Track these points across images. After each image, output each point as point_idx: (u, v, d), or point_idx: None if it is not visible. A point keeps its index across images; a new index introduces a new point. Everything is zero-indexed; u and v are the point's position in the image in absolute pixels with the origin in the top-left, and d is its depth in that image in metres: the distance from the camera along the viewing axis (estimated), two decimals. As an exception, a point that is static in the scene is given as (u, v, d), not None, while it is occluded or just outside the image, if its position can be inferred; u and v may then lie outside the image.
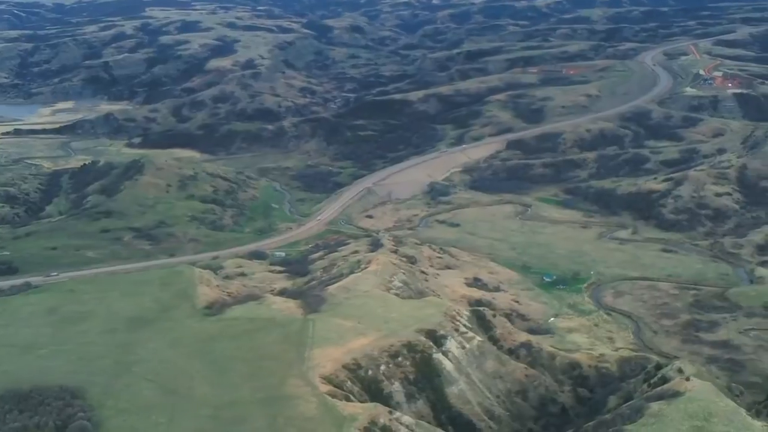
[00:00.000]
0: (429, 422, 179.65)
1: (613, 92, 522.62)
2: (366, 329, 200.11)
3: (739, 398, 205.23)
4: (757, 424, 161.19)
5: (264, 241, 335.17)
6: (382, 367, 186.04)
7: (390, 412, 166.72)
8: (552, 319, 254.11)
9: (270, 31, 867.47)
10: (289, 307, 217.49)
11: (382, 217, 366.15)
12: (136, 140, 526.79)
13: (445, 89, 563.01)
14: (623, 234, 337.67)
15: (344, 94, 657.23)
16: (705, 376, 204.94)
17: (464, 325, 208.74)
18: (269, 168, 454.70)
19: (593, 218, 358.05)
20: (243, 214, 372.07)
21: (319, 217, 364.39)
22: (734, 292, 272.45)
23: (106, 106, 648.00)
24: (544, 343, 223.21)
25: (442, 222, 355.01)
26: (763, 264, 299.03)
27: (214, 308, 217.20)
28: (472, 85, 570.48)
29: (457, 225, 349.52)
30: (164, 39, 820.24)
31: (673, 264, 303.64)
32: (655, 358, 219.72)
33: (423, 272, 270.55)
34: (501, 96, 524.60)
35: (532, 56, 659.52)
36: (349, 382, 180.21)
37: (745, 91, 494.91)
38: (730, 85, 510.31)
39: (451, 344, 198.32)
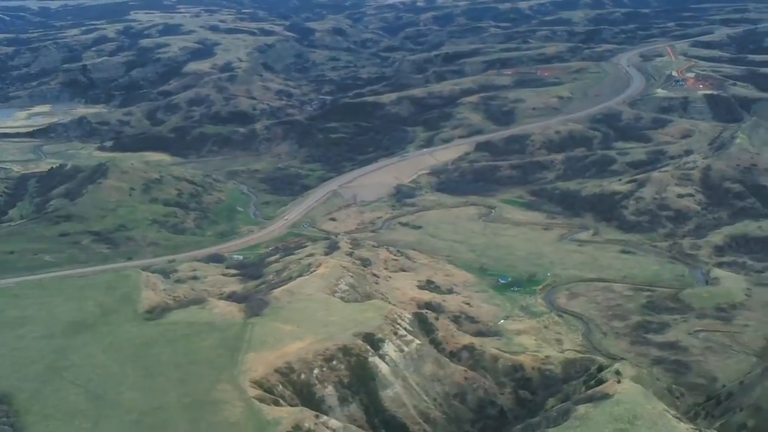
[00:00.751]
0: (362, 426, 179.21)
1: (585, 94, 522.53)
2: (304, 333, 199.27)
3: (679, 400, 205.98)
4: (682, 426, 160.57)
5: (224, 244, 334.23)
6: (316, 371, 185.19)
7: (316, 416, 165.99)
8: (502, 321, 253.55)
9: (252, 33, 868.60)
10: (231, 311, 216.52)
11: (346, 219, 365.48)
12: (108, 144, 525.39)
13: (418, 91, 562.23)
14: (584, 236, 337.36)
15: (321, 97, 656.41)
16: (645, 378, 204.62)
17: (404, 329, 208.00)
18: (238, 171, 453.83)
19: (556, 220, 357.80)
20: (206, 217, 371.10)
21: (285, 219, 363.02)
22: (687, 294, 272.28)
23: (82, 110, 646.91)
24: (489, 346, 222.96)
25: (405, 224, 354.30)
26: (719, 265, 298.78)
27: (155, 312, 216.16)
28: (445, 87, 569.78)
29: (420, 227, 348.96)
30: (145, 42, 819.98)
31: (630, 265, 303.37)
32: (600, 360, 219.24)
33: (375, 275, 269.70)
34: (473, 98, 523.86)
35: (509, 58, 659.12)
36: (280, 386, 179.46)
37: (715, 93, 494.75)
38: (701, 86, 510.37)
39: (389, 348, 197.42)
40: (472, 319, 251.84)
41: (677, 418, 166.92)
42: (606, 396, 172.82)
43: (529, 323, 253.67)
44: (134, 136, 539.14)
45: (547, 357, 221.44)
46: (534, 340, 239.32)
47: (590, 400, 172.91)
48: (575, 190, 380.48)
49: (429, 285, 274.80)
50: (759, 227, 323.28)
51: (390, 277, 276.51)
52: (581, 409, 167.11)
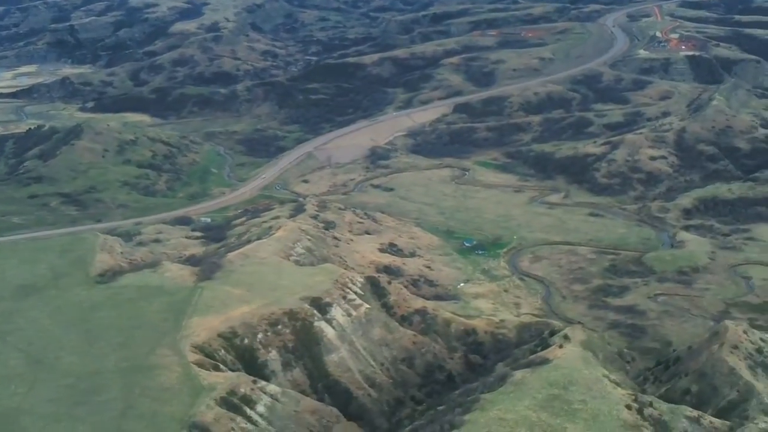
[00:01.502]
0: (304, 390, 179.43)
1: (568, 55, 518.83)
2: (252, 297, 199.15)
3: (629, 365, 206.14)
4: (618, 392, 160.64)
5: (194, 206, 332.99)
6: (260, 336, 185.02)
7: (254, 381, 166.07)
8: (461, 284, 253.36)
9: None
10: (183, 274, 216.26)
11: (319, 181, 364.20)
12: (89, 104, 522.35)
13: (400, 52, 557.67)
14: (555, 198, 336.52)
15: (307, 57, 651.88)
16: (596, 342, 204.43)
17: (355, 293, 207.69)
18: (216, 132, 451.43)
19: (528, 182, 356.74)
20: (179, 179, 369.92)
21: (259, 180, 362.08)
22: (650, 257, 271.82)
23: (68, 70, 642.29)
24: (445, 310, 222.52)
25: (377, 186, 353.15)
26: (687, 228, 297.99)
27: (106, 276, 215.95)
28: (428, 48, 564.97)
29: (391, 189, 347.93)
30: (134, 2, 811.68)
31: (597, 228, 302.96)
32: (556, 323, 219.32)
33: (336, 238, 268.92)
34: (455, 59, 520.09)
35: (496, 19, 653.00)
36: (222, 351, 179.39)
37: (697, 54, 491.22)
38: (683, 47, 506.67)
39: (336, 312, 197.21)
40: (431, 283, 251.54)
41: (615, 383, 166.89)
42: (546, 361, 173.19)
43: (488, 287, 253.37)
44: (115, 97, 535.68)
45: (501, 321, 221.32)
46: (491, 304, 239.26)
47: (530, 365, 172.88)
48: (550, 152, 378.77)
49: (391, 248, 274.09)
50: (729, 190, 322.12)
51: (352, 240, 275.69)
52: (518, 374, 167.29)
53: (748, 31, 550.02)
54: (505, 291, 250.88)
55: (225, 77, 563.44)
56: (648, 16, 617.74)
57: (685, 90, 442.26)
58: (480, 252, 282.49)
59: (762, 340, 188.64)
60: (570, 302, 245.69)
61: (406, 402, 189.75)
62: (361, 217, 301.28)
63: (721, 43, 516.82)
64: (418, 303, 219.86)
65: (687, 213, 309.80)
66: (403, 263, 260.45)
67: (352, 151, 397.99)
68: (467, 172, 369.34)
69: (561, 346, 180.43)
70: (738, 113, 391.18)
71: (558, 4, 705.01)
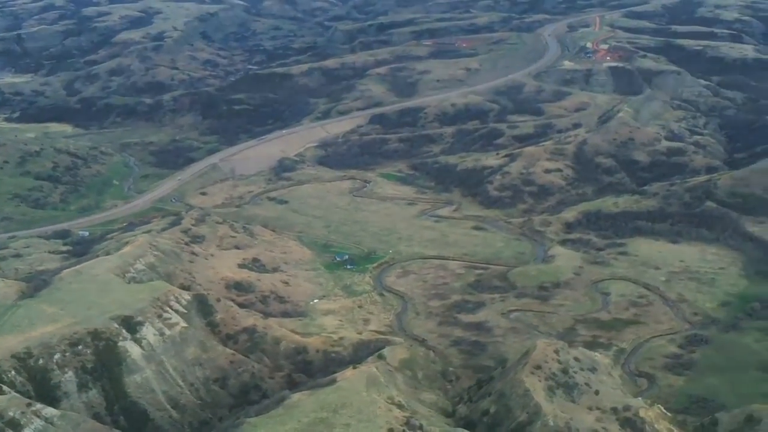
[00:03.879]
0: (99, 412, 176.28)
1: (495, 65, 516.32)
2: (63, 316, 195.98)
3: (452, 384, 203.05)
4: (390, 415, 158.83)
5: (82, 219, 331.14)
6: (57, 356, 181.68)
7: (28, 405, 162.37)
8: (315, 301, 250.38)
9: (201, 1, 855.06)
10: (7, 292, 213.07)
11: (217, 194, 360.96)
12: (15, 114, 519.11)
13: (331, 62, 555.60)
14: (445, 211, 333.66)
15: (250, 67, 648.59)
16: (418, 361, 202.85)
17: (177, 311, 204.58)
18: (132, 143, 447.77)
19: (425, 195, 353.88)
20: (77, 191, 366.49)
21: (154, 193, 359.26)
22: (515, 272, 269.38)
23: (9, 79, 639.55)
24: (280, 327, 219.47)
25: (272, 199, 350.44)
26: (564, 242, 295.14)
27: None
28: (359, 58, 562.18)
29: (286, 202, 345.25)
30: (87, 11, 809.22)
31: (476, 242, 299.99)
32: (398, 340, 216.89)
33: (194, 254, 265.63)
34: (382, 69, 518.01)
35: (438, 28, 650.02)
36: (13, 372, 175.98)
37: (620, 65, 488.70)
38: (608, 58, 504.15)
39: (147, 331, 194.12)
40: (281, 299, 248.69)
41: (398, 405, 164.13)
42: (331, 382, 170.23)
43: (343, 303, 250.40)
44: (42, 107, 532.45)
45: (340, 339, 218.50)
46: (338, 321, 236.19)
47: (316, 387, 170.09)
48: (453, 164, 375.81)
49: (253, 263, 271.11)
50: (615, 203, 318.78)
51: (213, 255, 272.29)
52: (296, 397, 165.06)
53: (678, 41, 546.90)
54: (359, 307, 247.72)
55: (158, 87, 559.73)
56: (587, 26, 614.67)
57: (602, 101, 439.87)
58: (349, 266, 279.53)
59: (576, 359, 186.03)
60: (422, 319, 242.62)
61: (213, 423, 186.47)
62: (236, 231, 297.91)
63: (649, 54, 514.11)
64: (249, 320, 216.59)
65: (568, 227, 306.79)
66: (259, 279, 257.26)
67: (259, 163, 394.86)
68: (368, 185, 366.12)
69: (355, 367, 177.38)
70: (646, 125, 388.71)
71: (505, 14, 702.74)
